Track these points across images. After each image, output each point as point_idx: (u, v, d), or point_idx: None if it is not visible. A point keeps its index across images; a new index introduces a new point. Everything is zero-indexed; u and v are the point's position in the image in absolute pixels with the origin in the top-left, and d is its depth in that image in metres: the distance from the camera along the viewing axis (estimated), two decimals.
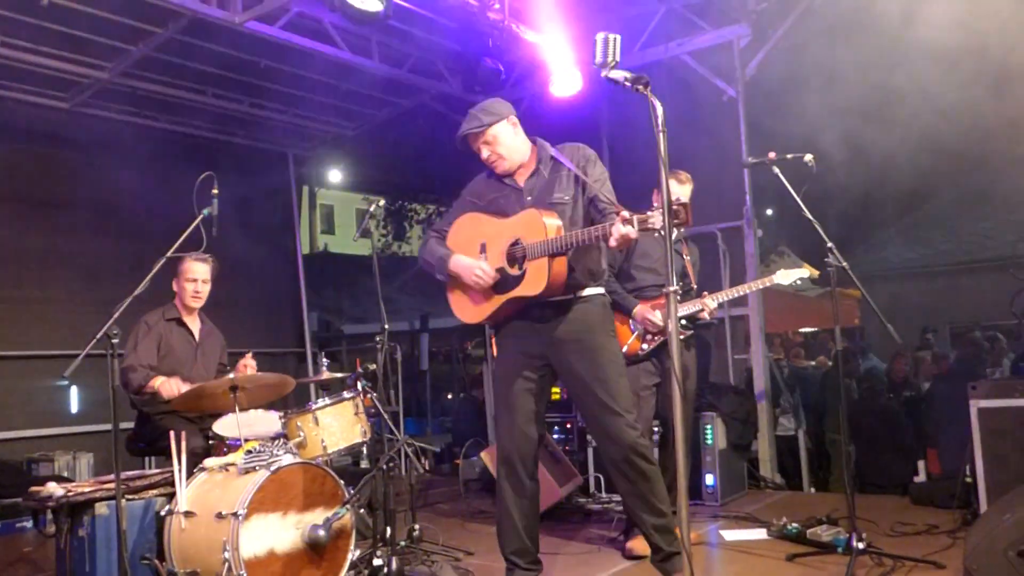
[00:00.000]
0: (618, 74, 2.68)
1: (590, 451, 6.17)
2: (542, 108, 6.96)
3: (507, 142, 3.59)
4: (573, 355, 3.50)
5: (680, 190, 4.63)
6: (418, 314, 11.67)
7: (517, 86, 7.33)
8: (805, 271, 4.63)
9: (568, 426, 6.36)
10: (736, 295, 4.85)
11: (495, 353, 3.79)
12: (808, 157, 4.17)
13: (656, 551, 3.55)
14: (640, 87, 2.63)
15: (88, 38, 6.18)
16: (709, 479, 5.67)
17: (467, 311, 3.63)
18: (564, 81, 6.07)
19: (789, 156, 4.22)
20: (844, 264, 4.07)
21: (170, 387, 4.32)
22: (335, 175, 11.70)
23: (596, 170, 3.60)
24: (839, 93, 5.97)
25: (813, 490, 6.74)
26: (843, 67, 6.12)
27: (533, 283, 3.40)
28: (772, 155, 4.27)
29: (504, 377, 3.60)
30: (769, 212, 7.33)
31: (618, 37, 2.72)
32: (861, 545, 3.87)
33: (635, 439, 3.46)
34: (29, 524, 5.69)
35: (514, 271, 3.44)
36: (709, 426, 5.71)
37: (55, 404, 7.17)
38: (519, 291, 3.43)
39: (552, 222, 3.38)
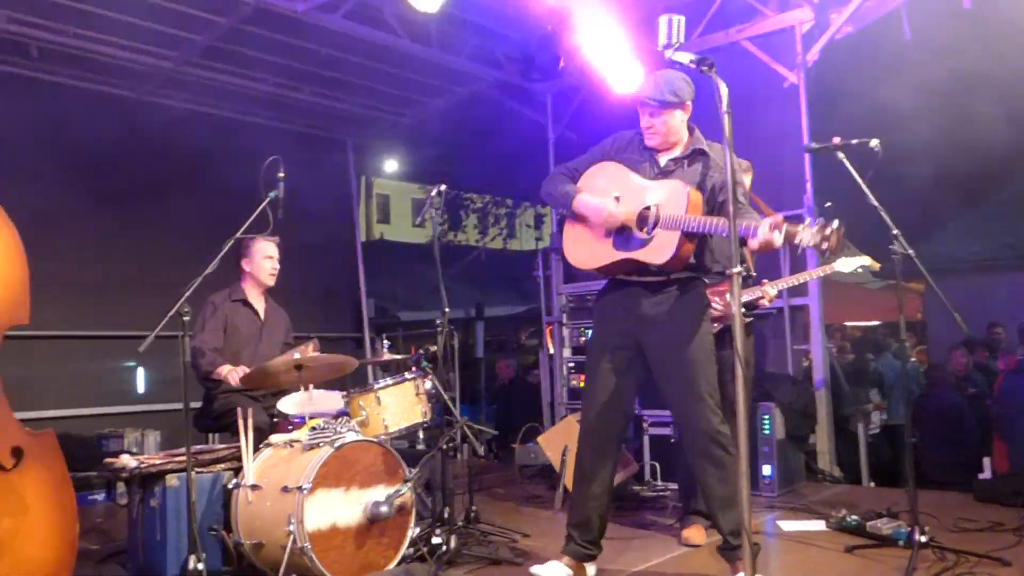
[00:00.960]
0: (683, 56, 2.69)
1: (646, 439, 6.16)
2: (600, 96, 6.94)
3: (673, 126, 3.55)
4: (665, 335, 3.51)
5: (741, 179, 4.59)
6: (473, 303, 11.75)
7: (575, 73, 7.32)
8: (867, 259, 4.56)
9: None
10: (796, 283, 4.80)
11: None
12: (874, 142, 4.11)
13: (724, 542, 3.56)
14: (704, 68, 2.63)
15: (154, 28, 6.34)
16: (766, 469, 5.62)
17: (581, 255, 3.62)
18: (622, 74, 6.03)
19: (854, 141, 4.16)
20: (910, 251, 4.00)
21: (235, 376, 4.44)
22: (391, 164, 11.79)
23: (745, 181, 3.79)
24: (906, 79, 5.85)
25: (872, 484, 6.63)
26: (911, 52, 5.99)
27: (658, 251, 3.39)
28: (837, 140, 4.20)
29: (594, 351, 3.68)
30: (828, 204, 7.19)
31: (682, 19, 2.73)
32: (923, 539, 3.80)
33: (716, 426, 3.47)
34: (100, 497, 5.91)
35: (641, 234, 3.43)
36: (767, 416, 5.66)
37: (123, 384, 7.40)
38: (641, 254, 3.43)
39: (696, 199, 3.38)
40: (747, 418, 2.55)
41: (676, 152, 3.59)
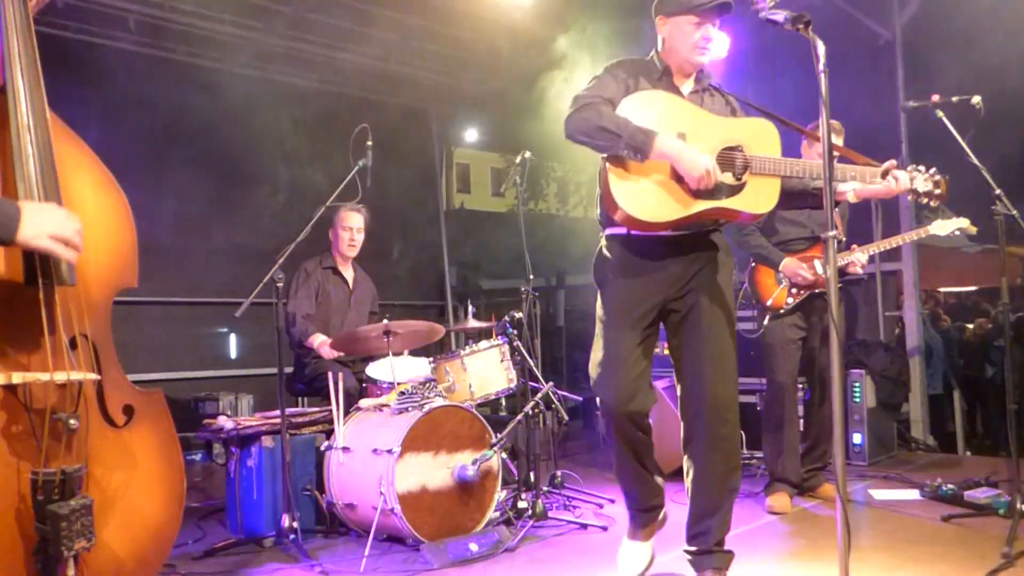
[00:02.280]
0: (778, 14, 2.59)
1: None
2: None
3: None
4: (712, 299, 3.03)
5: (835, 141, 4.45)
6: (555, 271, 11.73)
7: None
8: (964, 221, 4.38)
9: None
10: (888, 247, 4.65)
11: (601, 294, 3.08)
12: (976, 99, 3.93)
13: (694, 538, 3.10)
14: (801, 27, 2.54)
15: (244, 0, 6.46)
16: (857, 438, 5.50)
17: (647, 207, 2.83)
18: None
19: (955, 99, 3.99)
20: (1014, 212, 3.82)
21: (328, 349, 4.56)
22: (471, 134, 11.82)
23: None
24: (1010, 36, 5.55)
25: (968, 453, 6.43)
26: (1017, 6, 5.67)
27: (758, 200, 2.90)
28: (936, 98, 4.04)
29: (619, 317, 3.01)
30: (920, 168, 6.92)
31: None
32: None
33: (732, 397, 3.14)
34: (199, 457, 6.16)
35: (728, 178, 2.88)
36: (857, 384, 5.53)
37: (219, 348, 7.67)
38: (735, 203, 2.88)
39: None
40: (841, 386, 2.47)
41: (690, 83, 3.08)
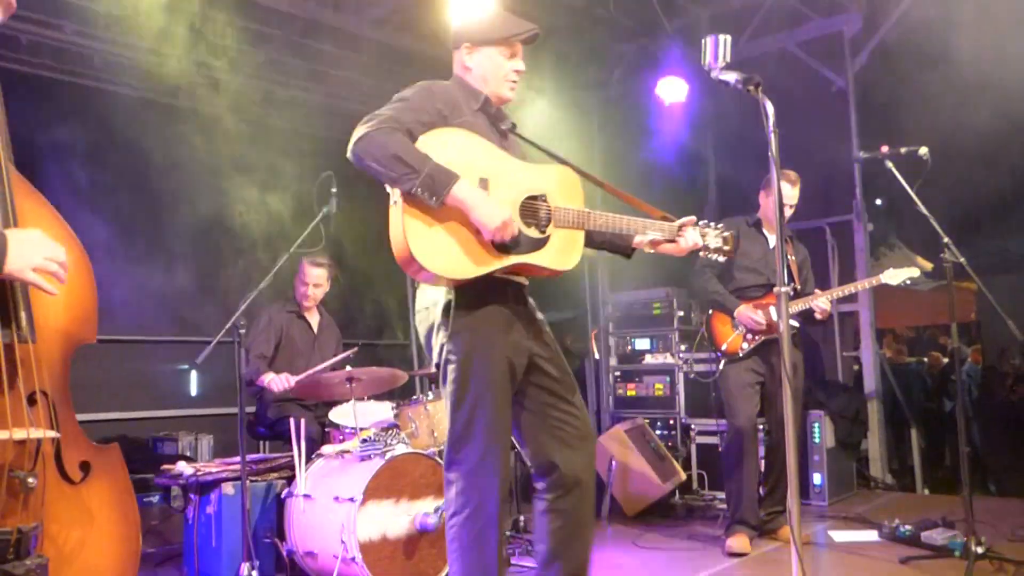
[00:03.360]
0: (729, 75, 2.67)
1: (693, 447, 6.16)
2: (650, 105, 6.95)
3: None
4: (552, 353, 2.85)
5: (790, 192, 4.60)
6: None
7: (622, 83, 7.33)
8: (915, 270, 4.52)
9: (671, 422, 6.35)
10: (844, 294, 4.77)
11: (472, 354, 2.65)
12: (923, 150, 4.08)
13: None
14: (751, 88, 2.62)
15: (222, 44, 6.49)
16: (817, 478, 5.58)
17: (446, 260, 2.54)
18: (670, 82, 6.05)
19: (903, 150, 4.14)
20: (961, 260, 3.96)
21: (279, 383, 4.55)
22: None
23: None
24: (957, 81, 5.74)
25: (927, 491, 6.54)
26: (961, 53, 5.89)
27: (561, 256, 2.71)
28: (885, 149, 4.18)
29: (497, 383, 2.65)
30: (878, 202, 7.13)
31: (728, 38, 2.72)
32: (980, 549, 3.74)
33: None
34: (156, 499, 6.05)
35: (532, 231, 2.67)
36: (817, 424, 5.62)
37: (177, 387, 7.57)
38: (537, 259, 2.67)
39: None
40: (796, 429, 2.52)
41: (499, 115, 2.89)
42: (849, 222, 6.43)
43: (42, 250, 1.92)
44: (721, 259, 3.09)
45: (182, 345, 7.11)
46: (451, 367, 2.66)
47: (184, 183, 7.11)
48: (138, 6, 5.79)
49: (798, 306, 4.58)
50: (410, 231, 2.50)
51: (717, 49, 2.71)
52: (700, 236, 2.98)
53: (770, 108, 2.60)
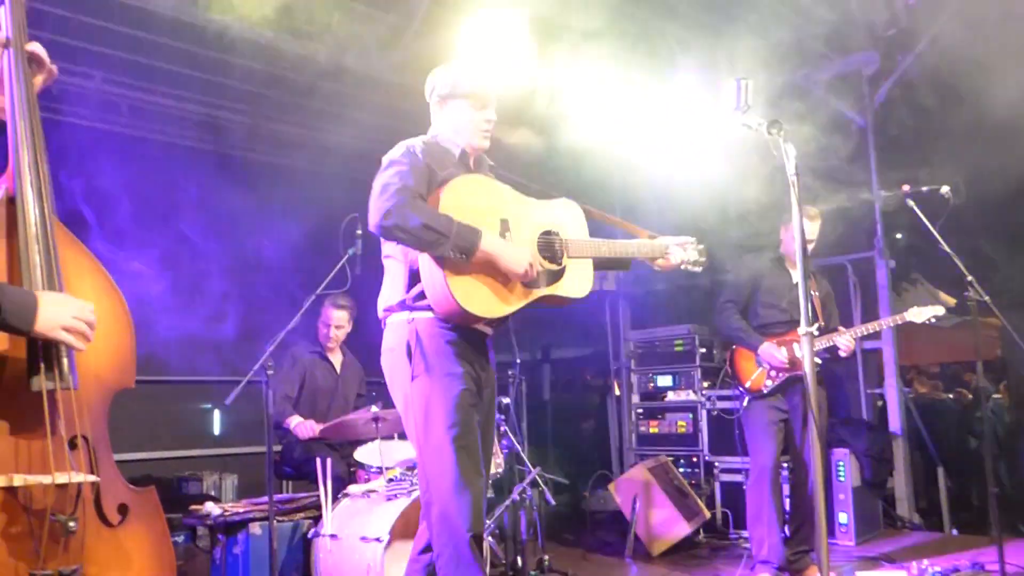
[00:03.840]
0: (752, 119, 2.73)
1: (717, 485, 6.12)
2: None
3: None
4: (492, 393, 2.99)
5: (810, 228, 4.62)
6: (540, 345, 11.82)
7: None
8: (940, 308, 4.51)
9: (694, 460, 6.33)
10: (867, 332, 4.76)
11: (437, 397, 2.73)
12: (945, 189, 4.10)
13: None
14: (774, 132, 2.67)
15: (235, 86, 6.64)
16: (843, 517, 5.53)
17: (481, 300, 2.70)
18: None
19: (924, 189, 4.16)
20: (986, 298, 3.96)
21: (304, 429, 4.60)
22: None
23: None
24: (978, 117, 5.77)
25: (955, 532, 6.44)
26: (982, 89, 5.92)
27: (578, 284, 2.96)
28: (906, 188, 4.21)
29: (468, 421, 2.74)
30: (899, 236, 7.13)
31: (750, 82, 2.77)
32: None
33: None
34: (181, 539, 6.07)
35: (550, 265, 2.90)
36: (841, 463, 5.58)
37: (201, 426, 7.63)
38: (558, 290, 2.89)
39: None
40: (823, 468, 2.53)
41: (483, 167, 3.08)
42: (870, 259, 6.43)
43: (71, 310, 1.99)
44: (699, 270, 3.31)
45: (204, 385, 7.19)
46: (419, 408, 2.73)
47: (211, 225, 7.23)
48: (156, 53, 5.96)
49: (822, 343, 4.57)
50: (450, 279, 2.65)
51: (741, 93, 2.77)
52: (683, 252, 3.21)
53: (791, 152, 2.65)
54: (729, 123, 2.76)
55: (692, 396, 6.57)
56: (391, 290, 2.88)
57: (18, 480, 1.94)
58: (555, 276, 2.89)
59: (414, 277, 2.77)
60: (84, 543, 2.05)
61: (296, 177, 7.93)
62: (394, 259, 2.88)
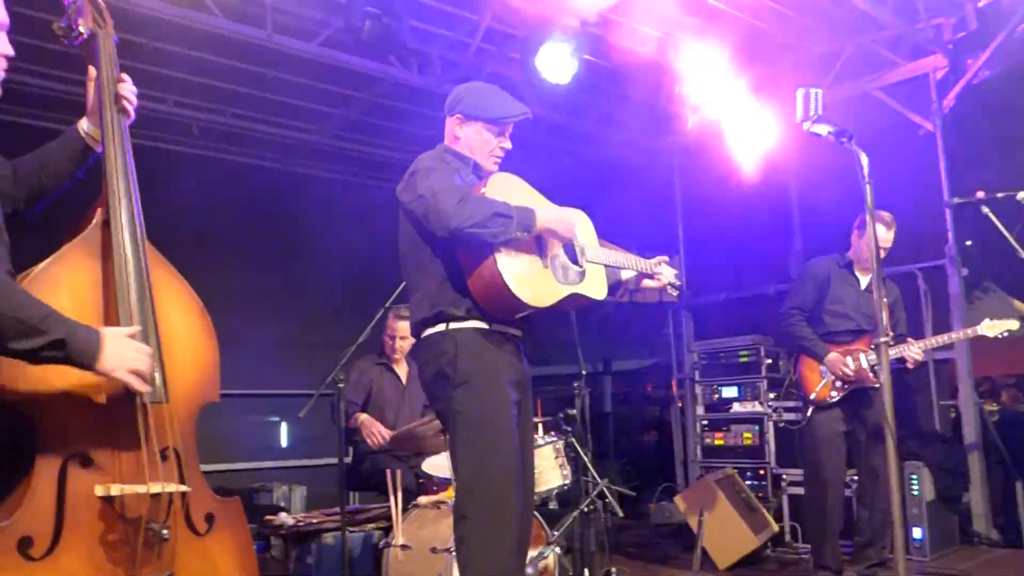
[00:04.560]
0: (821, 128, 2.73)
1: (785, 499, 6.03)
2: (726, 153, 6.98)
3: None
4: (526, 412, 3.00)
5: (885, 235, 4.54)
6: (601, 356, 11.80)
7: (701, 132, 7.37)
8: (1014, 323, 4.38)
9: (762, 473, 6.25)
10: (937, 345, 4.66)
11: (481, 404, 2.76)
12: (1021, 195, 3.99)
13: None
14: (844, 140, 2.66)
15: (301, 105, 6.81)
16: (916, 532, 5.40)
17: (530, 288, 2.77)
18: (751, 128, 6.08)
19: (1000, 195, 4.05)
20: None
21: (373, 428, 4.67)
22: None
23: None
24: None
25: None
26: None
27: (597, 287, 3.04)
28: (981, 194, 4.10)
29: (506, 432, 2.76)
30: (969, 243, 6.98)
31: (819, 91, 2.77)
32: None
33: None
34: (255, 549, 6.21)
35: (574, 266, 2.99)
36: (915, 476, 5.46)
37: (269, 439, 7.81)
38: (584, 290, 2.98)
39: None
40: (899, 483, 2.50)
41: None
42: (941, 267, 6.29)
43: (133, 352, 2.03)
44: (676, 294, 3.41)
45: (270, 398, 7.38)
46: (460, 417, 2.74)
47: (279, 242, 7.43)
48: (211, 74, 6.14)
49: (897, 352, 4.50)
50: (507, 266, 2.73)
51: (809, 103, 2.76)
52: (672, 272, 3.26)
53: (864, 159, 2.64)
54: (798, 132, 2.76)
55: (758, 408, 6.49)
56: (423, 303, 2.89)
57: (115, 490, 2.04)
58: (580, 277, 2.98)
59: (446, 286, 2.81)
60: (175, 550, 2.13)
61: (359, 191, 8.10)
62: (422, 272, 2.89)
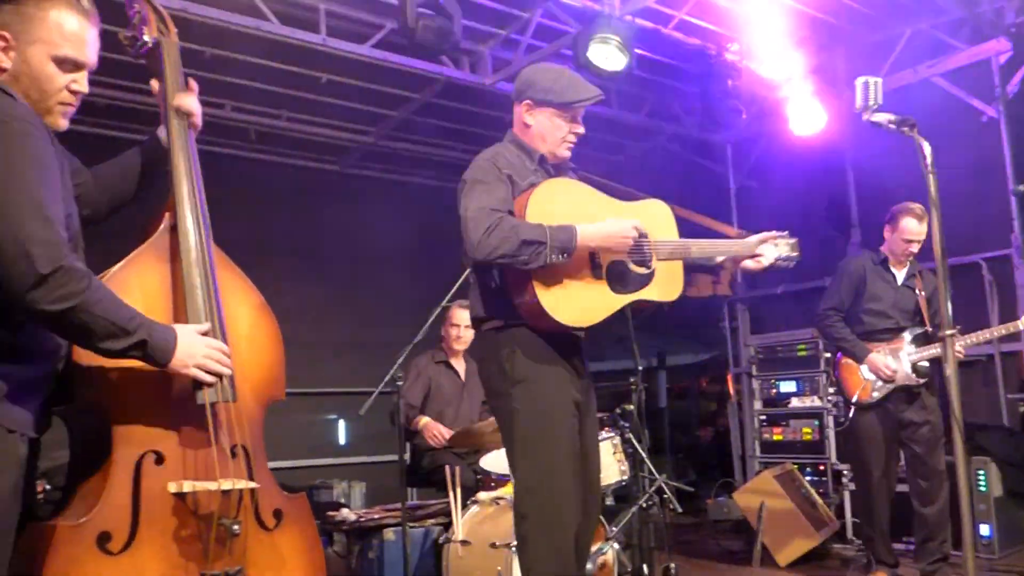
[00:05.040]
0: (881, 117, 2.67)
1: (846, 494, 5.94)
2: (781, 145, 6.91)
3: None
4: (590, 411, 2.97)
5: (917, 228, 4.51)
6: (655, 352, 11.73)
7: (754, 123, 7.28)
8: None
9: (822, 468, 6.17)
10: (983, 340, 4.53)
11: (541, 402, 2.74)
12: None
13: None
14: (906, 129, 2.61)
15: (356, 107, 6.89)
16: (984, 529, 5.27)
17: (571, 310, 2.68)
18: (806, 118, 6.00)
19: None
20: None
21: (435, 429, 4.72)
22: None
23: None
24: None
25: None
26: None
27: (667, 288, 2.90)
28: None
29: (566, 430, 2.77)
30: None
31: (879, 80, 2.71)
32: None
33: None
34: None
35: (639, 269, 2.86)
36: (982, 471, 5.32)
37: (328, 436, 7.94)
38: (648, 294, 2.85)
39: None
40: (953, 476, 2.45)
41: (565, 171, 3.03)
42: (1007, 257, 6.11)
43: (204, 349, 2.11)
44: (791, 266, 3.15)
45: (328, 396, 7.49)
46: (518, 416, 2.72)
47: (336, 243, 7.54)
48: (268, 78, 6.24)
49: (929, 352, 4.45)
50: (543, 298, 2.64)
51: (868, 92, 2.71)
52: (775, 248, 3.06)
53: (927, 148, 2.58)
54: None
55: (817, 402, 6.40)
56: (481, 299, 2.87)
57: (187, 486, 2.10)
58: (645, 280, 2.85)
59: (500, 294, 2.77)
60: (246, 546, 2.19)
61: (414, 191, 8.18)
62: (481, 270, 2.86)
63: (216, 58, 5.70)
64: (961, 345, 4.38)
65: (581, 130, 2.91)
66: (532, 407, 2.72)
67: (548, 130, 2.87)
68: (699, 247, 2.95)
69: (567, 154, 2.94)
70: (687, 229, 3.16)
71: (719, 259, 3.06)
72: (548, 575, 2.65)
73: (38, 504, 2.12)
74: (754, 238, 3.07)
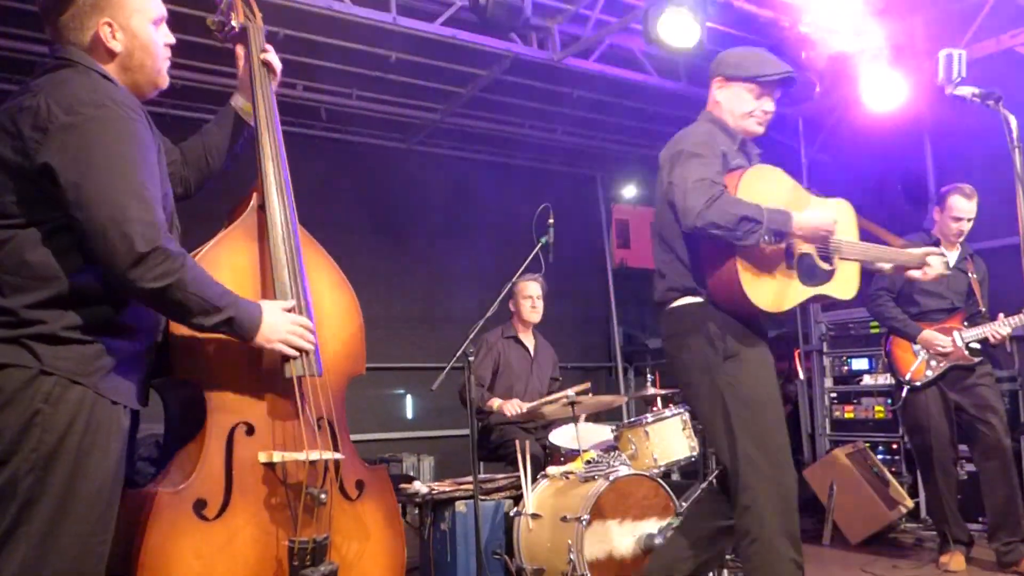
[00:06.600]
0: (965, 90, 2.63)
1: (919, 474, 5.83)
2: (855, 117, 6.74)
3: None
4: None
5: (967, 206, 4.46)
6: None
7: (829, 95, 7.11)
8: None
9: (894, 447, 6.07)
10: (1019, 323, 4.43)
11: (757, 378, 2.83)
12: None
13: None
14: (991, 103, 2.55)
15: (424, 85, 6.95)
16: None
17: (766, 295, 2.75)
18: (883, 90, 5.85)
19: None
20: None
21: (511, 408, 4.79)
22: (630, 190, 12.06)
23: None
24: None
25: None
26: None
27: (845, 286, 2.97)
28: None
29: (777, 403, 2.87)
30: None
31: (963, 53, 2.66)
32: None
33: None
34: None
35: (824, 264, 2.91)
36: None
37: (397, 411, 8.09)
38: (831, 289, 2.92)
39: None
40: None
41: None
42: None
43: (287, 324, 2.19)
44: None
45: (396, 371, 7.64)
46: (732, 390, 2.75)
47: (405, 220, 7.65)
48: (338, 58, 6.31)
49: (981, 331, 4.41)
50: (743, 274, 2.72)
51: (951, 65, 2.66)
52: (941, 262, 3.09)
53: (1013, 121, 2.53)
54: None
55: (890, 380, 6.27)
56: (678, 271, 2.92)
57: (277, 457, 2.19)
58: (827, 276, 2.90)
59: (703, 260, 2.82)
60: (331, 515, 2.28)
61: (483, 167, 8.23)
62: (676, 240, 2.90)
63: (289, 38, 5.79)
64: (1008, 327, 4.38)
65: (771, 107, 2.95)
66: (748, 382, 2.78)
67: (736, 106, 2.94)
68: (877, 252, 3.04)
69: (758, 129, 2.99)
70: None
71: (884, 266, 3.13)
72: (786, 560, 2.68)
73: (136, 472, 2.24)
74: (919, 250, 3.12)
